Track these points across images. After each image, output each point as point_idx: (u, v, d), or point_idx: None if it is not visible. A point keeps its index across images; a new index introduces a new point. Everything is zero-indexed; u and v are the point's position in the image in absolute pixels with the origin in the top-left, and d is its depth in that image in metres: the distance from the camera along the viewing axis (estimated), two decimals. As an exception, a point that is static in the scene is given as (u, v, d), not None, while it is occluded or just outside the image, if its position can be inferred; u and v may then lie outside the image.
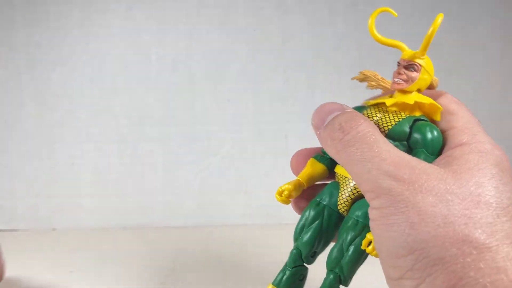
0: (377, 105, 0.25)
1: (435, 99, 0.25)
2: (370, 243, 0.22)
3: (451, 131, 0.23)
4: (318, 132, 0.23)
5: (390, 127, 0.24)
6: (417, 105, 0.25)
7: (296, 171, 0.28)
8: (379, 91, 0.28)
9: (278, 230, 0.50)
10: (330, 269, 0.25)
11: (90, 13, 0.58)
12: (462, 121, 0.23)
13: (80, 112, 0.59)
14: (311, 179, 0.27)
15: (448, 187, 0.19)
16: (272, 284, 0.27)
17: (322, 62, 0.59)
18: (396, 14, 0.25)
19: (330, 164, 0.27)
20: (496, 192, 0.19)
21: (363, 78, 0.27)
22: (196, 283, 0.41)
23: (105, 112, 0.59)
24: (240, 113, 0.59)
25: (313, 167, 0.27)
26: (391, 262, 0.19)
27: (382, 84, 0.27)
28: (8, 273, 0.42)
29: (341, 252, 0.25)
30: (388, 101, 0.24)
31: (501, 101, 0.60)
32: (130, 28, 0.59)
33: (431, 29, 0.23)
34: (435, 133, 0.23)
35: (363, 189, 0.21)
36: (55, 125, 0.59)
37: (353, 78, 0.27)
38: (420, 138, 0.23)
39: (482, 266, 0.17)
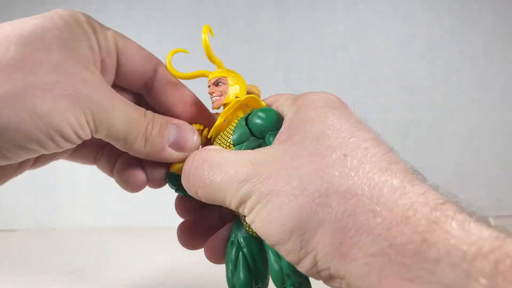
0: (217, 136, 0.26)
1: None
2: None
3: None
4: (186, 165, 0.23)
5: (231, 137, 0.25)
6: (239, 108, 0.26)
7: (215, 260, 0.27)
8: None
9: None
10: (281, 286, 0.23)
11: (90, 13, 0.58)
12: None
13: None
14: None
15: (287, 160, 0.19)
16: None
17: (322, 62, 0.59)
18: (188, 51, 0.28)
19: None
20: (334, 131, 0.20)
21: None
22: (195, 283, 0.41)
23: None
24: (240, 113, 0.59)
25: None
26: (286, 248, 0.19)
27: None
28: (8, 273, 0.42)
29: (278, 263, 0.23)
30: (208, 133, 0.27)
31: (501, 101, 0.60)
32: (130, 28, 0.58)
33: (203, 44, 0.25)
34: (264, 114, 0.25)
35: (233, 207, 0.20)
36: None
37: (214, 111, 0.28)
38: (260, 125, 0.24)
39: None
